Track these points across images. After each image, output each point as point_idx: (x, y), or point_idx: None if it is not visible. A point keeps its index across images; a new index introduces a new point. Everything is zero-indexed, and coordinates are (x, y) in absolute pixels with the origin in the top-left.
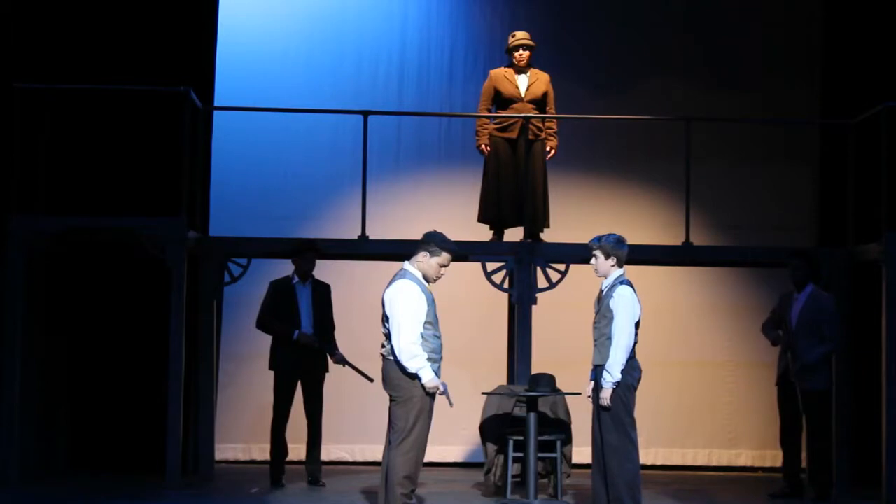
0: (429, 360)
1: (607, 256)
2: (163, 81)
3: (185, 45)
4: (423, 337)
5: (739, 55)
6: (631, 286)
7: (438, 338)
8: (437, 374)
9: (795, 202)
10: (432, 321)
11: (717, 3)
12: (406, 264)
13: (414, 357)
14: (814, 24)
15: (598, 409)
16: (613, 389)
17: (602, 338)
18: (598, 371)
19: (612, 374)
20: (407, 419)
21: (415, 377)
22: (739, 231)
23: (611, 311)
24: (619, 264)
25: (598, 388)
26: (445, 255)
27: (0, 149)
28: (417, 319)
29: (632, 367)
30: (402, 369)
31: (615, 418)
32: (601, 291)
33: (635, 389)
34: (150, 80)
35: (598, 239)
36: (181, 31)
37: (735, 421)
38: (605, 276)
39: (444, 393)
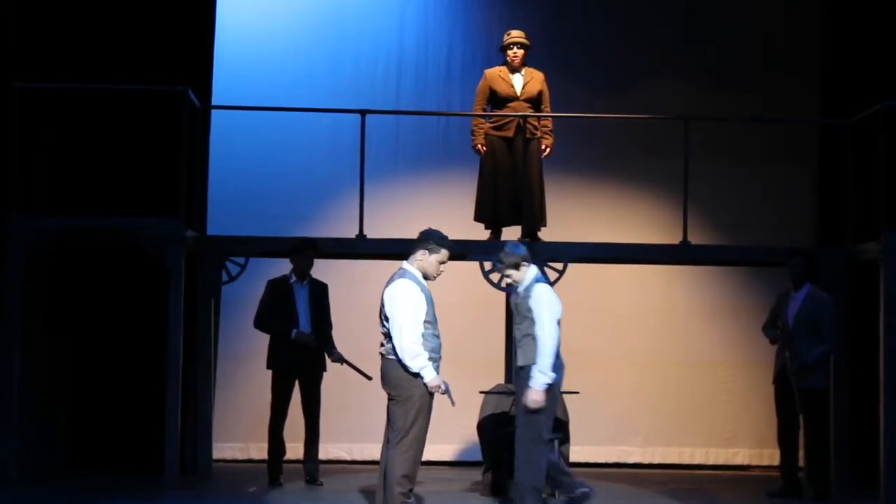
0: (429, 359)
1: (517, 267)
2: (161, 81)
3: (184, 45)
4: (422, 336)
5: (739, 55)
6: (548, 283)
7: (437, 337)
8: (437, 373)
9: (794, 202)
10: (431, 320)
11: (716, 3)
12: (405, 263)
13: (416, 356)
14: (813, 24)
15: (523, 409)
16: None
17: (525, 338)
18: (520, 373)
19: (545, 374)
20: (406, 418)
21: (416, 376)
22: (738, 230)
23: (531, 312)
24: (528, 263)
25: (522, 390)
26: (444, 252)
27: (0, 148)
28: (418, 318)
29: (556, 366)
30: (405, 368)
31: (532, 415)
32: (517, 294)
33: (558, 387)
34: (149, 79)
35: (500, 262)
36: (180, 31)
37: (733, 420)
38: (522, 282)
39: (447, 392)
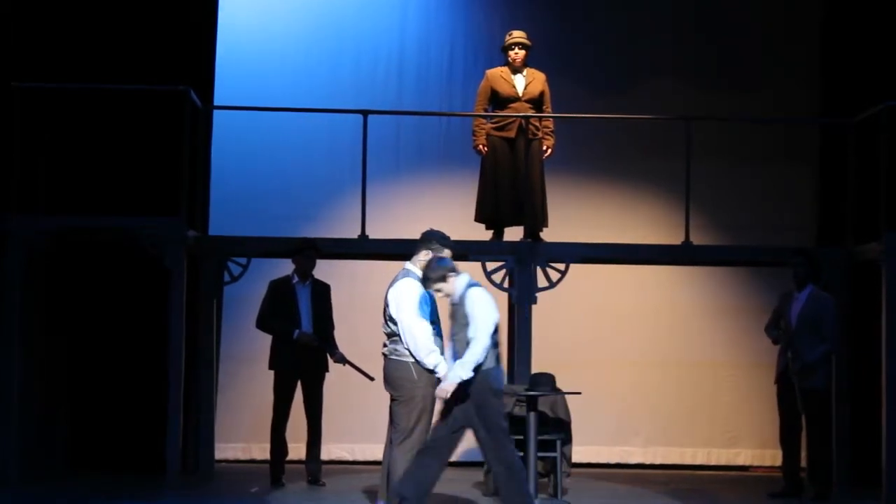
0: None
1: (445, 279)
2: (163, 81)
3: (185, 45)
4: None
5: (739, 55)
6: (480, 286)
7: (439, 336)
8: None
9: (795, 202)
10: (433, 320)
11: (717, 3)
12: (408, 264)
13: (431, 352)
14: (813, 24)
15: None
16: (488, 396)
17: (460, 343)
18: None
19: (466, 369)
20: (409, 418)
21: (431, 372)
22: (739, 231)
23: (467, 318)
24: (457, 273)
25: (474, 396)
26: (447, 252)
27: (0, 148)
28: (423, 315)
29: (500, 373)
30: (419, 364)
31: (493, 421)
32: (452, 304)
33: (503, 395)
34: (150, 79)
35: (427, 277)
36: (181, 31)
37: (734, 420)
38: (455, 292)
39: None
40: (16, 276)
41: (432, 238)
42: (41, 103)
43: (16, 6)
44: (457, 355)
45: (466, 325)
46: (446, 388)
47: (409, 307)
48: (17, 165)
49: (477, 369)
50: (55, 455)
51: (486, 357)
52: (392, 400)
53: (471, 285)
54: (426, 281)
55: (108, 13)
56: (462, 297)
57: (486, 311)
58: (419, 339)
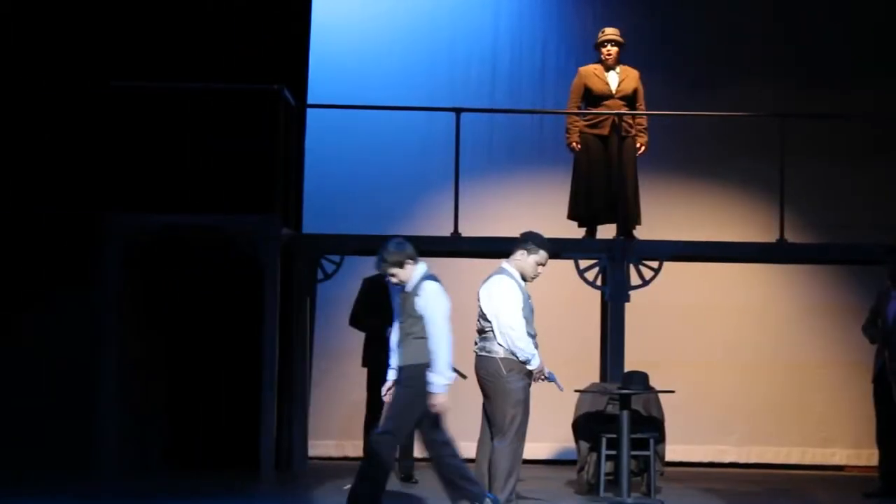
0: None
1: (402, 265)
2: (258, 80)
3: (279, 44)
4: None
5: (833, 53)
6: (437, 280)
7: (534, 336)
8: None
9: (891, 199)
10: (527, 318)
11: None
12: (504, 262)
13: (527, 343)
14: None
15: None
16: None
17: (409, 337)
18: (401, 372)
19: (444, 375)
20: (504, 414)
21: (524, 363)
22: (832, 229)
23: (417, 311)
24: (415, 261)
25: (401, 389)
26: (543, 254)
27: (96, 148)
28: (519, 307)
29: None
30: (514, 355)
31: (405, 414)
32: (405, 292)
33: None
34: (245, 78)
35: (383, 260)
36: (275, 30)
37: (829, 419)
38: (409, 281)
39: (552, 380)
40: (113, 275)
41: (530, 239)
42: (138, 102)
43: (112, 5)
44: (401, 344)
45: (416, 317)
46: (441, 400)
47: (500, 300)
48: (113, 164)
49: (419, 368)
50: (151, 451)
51: (426, 351)
52: (485, 397)
53: (426, 278)
54: (381, 262)
55: (206, 14)
56: (416, 288)
57: (439, 308)
58: (514, 331)
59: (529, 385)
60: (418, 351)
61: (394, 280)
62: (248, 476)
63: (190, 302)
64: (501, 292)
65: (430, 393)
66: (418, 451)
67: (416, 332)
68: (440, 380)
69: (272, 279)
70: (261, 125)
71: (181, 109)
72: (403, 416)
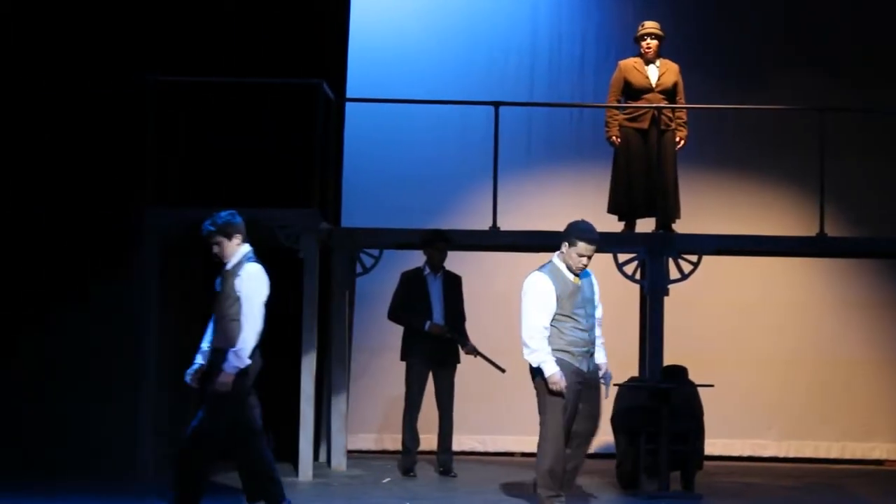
0: (563, 351)
1: (230, 237)
2: (297, 74)
3: (318, 39)
4: (559, 329)
5: (873, 47)
6: (259, 263)
7: (582, 331)
8: (581, 366)
9: None
10: (569, 313)
11: None
12: (554, 255)
13: (533, 352)
14: None
15: (212, 395)
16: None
17: (224, 319)
18: (215, 354)
19: (242, 358)
20: (544, 410)
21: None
22: (871, 224)
23: (236, 292)
24: (244, 239)
25: (213, 372)
26: (582, 245)
27: (135, 142)
28: (543, 310)
29: (253, 353)
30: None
31: (220, 401)
32: (224, 270)
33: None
34: (284, 72)
35: (212, 224)
36: (314, 25)
37: (869, 414)
38: (231, 258)
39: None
40: (152, 269)
41: (569, 231)
42: (177, 97)
43: (150, 2)
44: (216, 324)
45: (230, 296)
46: (226, 380)
47: (524, 301)
48: (152, 158)
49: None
50: None
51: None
52: (537, 392)
53: (249, 259)
54: (208, 227)
55: (245, 9)
56: (235, 268)
57: (257, 292)
58: (524, 337)
59: (572, 385)
60: (232, 334)
61: (215, 250)
62: (287, 470)
63: None
64: (524, 292)
65: (219, 370)
66: (457, 445)
67: (232, 314)
68: (235, 361)
69: (311, 273)
70: (300, 119)
71: (220, 104)
72: (218, 410)
